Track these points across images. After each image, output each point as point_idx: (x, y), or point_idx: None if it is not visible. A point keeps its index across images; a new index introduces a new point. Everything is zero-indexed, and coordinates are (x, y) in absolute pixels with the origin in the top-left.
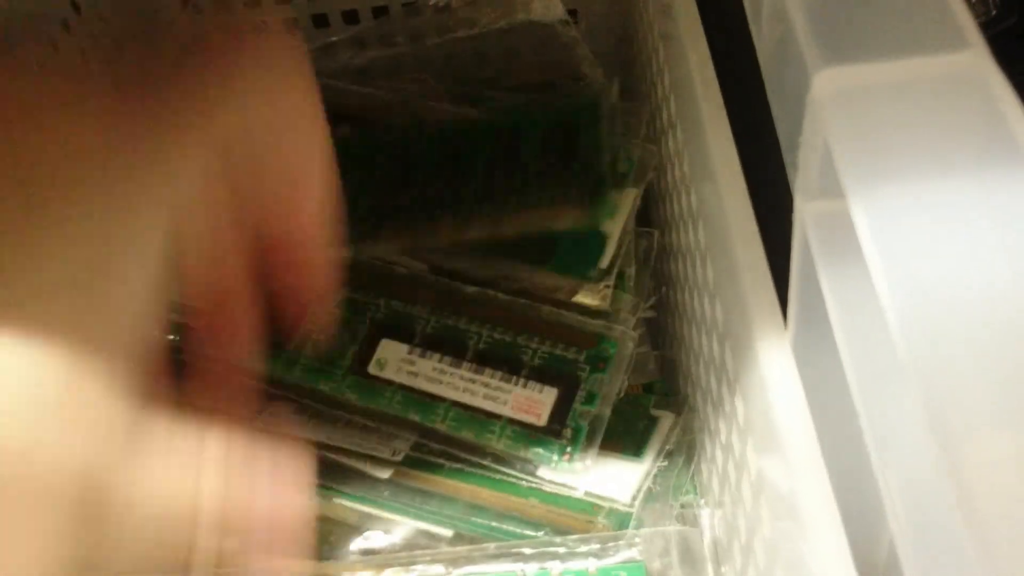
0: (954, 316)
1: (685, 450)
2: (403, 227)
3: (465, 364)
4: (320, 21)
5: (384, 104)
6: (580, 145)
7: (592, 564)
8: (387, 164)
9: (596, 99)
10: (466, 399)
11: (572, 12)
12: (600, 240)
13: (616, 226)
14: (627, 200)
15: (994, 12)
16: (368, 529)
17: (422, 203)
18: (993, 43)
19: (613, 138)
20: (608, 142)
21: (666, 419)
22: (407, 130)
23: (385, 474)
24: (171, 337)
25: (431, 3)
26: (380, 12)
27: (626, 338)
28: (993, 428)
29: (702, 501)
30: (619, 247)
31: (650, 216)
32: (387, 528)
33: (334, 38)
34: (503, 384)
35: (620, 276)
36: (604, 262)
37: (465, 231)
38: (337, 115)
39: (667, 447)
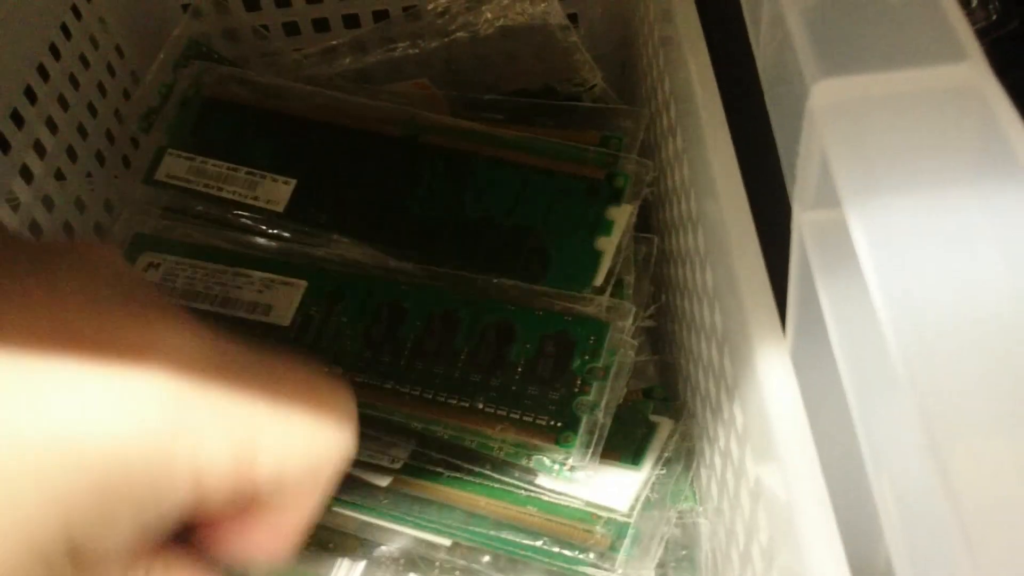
0: (949, 327)
1: (684, 457)
2: (367, 383)
3: None
4: (321, 25)
5: (382, 114)
6: (573, 368)
7: None
8: (375, 314)
9: (607, 320)
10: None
11: (572, 17)
12: (595, 257)
13: (612, 243)
14: (623, 216)
15: (995, 16)
16: (366, 537)
17: (394, 367)
18: (994, 47)
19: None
20: (606, 373)
21: (665, 425)
22: (405, 285)
23: (384, 482)
24: None
25: (431, 7)
26: (380, 16)
27: (626, 346)
28: (988, 438)
29: (700, 508)
30: (614, 263)
31: (649, 221)
32: (385, 537)
33: (335, 42)
34: None
35: (619, 283)
36: (599, 279)
37: (426, 412)
38: (334, 124)
39: (666, 454)
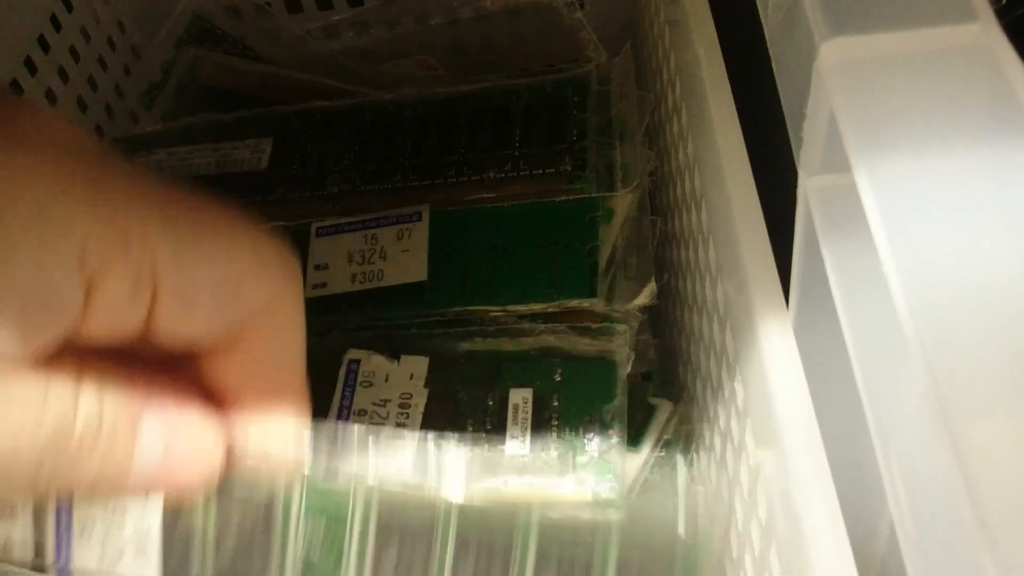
0: (961, 294)
1: (683, 439)
2: None
3: None
4: (324, 2)
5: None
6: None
7: None
8: None
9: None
10: None
11: None
12: (595, 248)
13: (611, 230)
14: (623, 204)
15: (1004, 1)
16: None
17: None
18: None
19: None
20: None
21: (664, 407)
22: None
23: None
24: None
25: None
26: None
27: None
28: (1000, 411)
29: (700, 489)
30: (614, 250)
31: (652, 203)
32: None
33: (337, 18)
34: None
35: (622, 266)
36: (599, 268)
37: None
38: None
39: (665, 436)
